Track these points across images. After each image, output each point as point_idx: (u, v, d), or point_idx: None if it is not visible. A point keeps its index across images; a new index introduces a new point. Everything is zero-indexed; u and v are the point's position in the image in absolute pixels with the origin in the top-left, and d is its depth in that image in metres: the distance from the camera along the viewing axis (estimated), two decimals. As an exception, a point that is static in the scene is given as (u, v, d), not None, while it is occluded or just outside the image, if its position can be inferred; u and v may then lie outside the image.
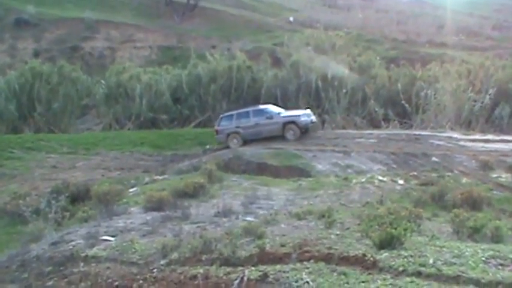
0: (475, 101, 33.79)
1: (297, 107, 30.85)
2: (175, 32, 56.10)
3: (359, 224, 12.10)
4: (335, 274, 8.73)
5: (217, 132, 28.75)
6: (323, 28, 50.76)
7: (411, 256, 9.11)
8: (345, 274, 8.65)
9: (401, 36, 57.63)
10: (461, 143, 26.13)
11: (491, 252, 9.08)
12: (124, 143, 28.64)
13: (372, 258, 9.16)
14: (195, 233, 12.20)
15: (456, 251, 9.31)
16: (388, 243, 9.77)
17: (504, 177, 21.20)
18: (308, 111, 28.90)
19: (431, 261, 8.73)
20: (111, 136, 30.44)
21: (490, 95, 33.66)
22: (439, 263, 8.63)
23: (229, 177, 20.98)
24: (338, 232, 11.62)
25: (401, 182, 20.26)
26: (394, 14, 67.40)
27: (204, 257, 10.27)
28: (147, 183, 21.48)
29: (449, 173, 21.64)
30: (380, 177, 20.65)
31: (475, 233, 11.12)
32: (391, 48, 51.79)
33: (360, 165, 22.70)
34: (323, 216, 13.26)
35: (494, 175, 21.44)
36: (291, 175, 21.65)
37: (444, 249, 9.61)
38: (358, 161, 23.22)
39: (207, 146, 28.01)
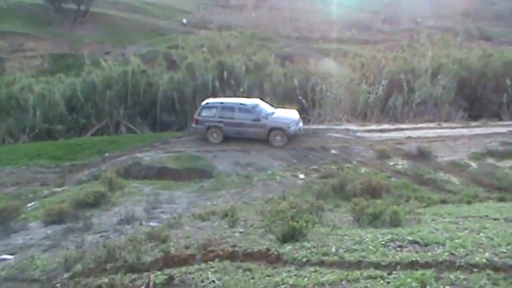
0: (369, 92, 34.73)
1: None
2: (67, 39, 54.63)
3: (262, 220, 12.26)
4: (240, 271, 8.77)
5: (196, 121, 26.40)
6: (217, 29, 51.12)
7: (314, 247, 9.28)
8: (250, 270, 8.70)
9: (295, 33, 58.59)
10: (358, 134, 26.82)
11: (390, 236, 9.39)
12: (19, 156, 27.57)
13: (275, 252, 9.28)
14: (98, 242, 12.01)
15: (357, 238, 9.57)
16: (291, 236, 9.93)
17: (400, 164, 22.00)
18: (297, 115, 26.73)
19: (333, 249, 8.92)
20: (5, 151, 29.25)
21: (383, 86, 34.69)
22: (341, 250, 8.84)
23: (130, 183, 20.62)
24: (242, 230, 11.70)
25: (302, 176, 20.63)
26: (287, 12, 68.34)
27: (108, 266, 10.08)
28: (46, 197, 20.78)
29: (349, 164, 22.24)
30: (281, 173, 20.94)
31: (374, 220, 11.46)
32: (285, 46, 52.43)
33: (261, 163, 22.88)
34: (226, 215, 13.37)
35: (391, 163, 22.22)
36: (193, 177, 21.58)
37: (346, 237, 9.85)
38: (259, 159, 23.39)
39: (106, 154, 27.05)
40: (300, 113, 27.64)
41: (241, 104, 26.26)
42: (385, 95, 34.80)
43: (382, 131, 27.55)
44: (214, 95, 32.23)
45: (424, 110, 34.45)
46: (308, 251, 9.10)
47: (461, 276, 6.82)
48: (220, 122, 25.75)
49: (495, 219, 11.47)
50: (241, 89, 34.38)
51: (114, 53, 49.54)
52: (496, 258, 7.43)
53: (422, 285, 6.62)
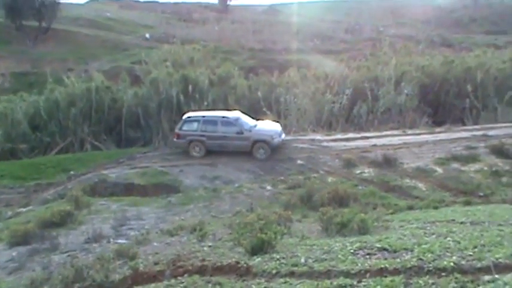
0: (334, 102, 34.96)
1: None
2: (28, 57, 53.96)
3: (231, 233, 12.22)
4: (210, 285, 8.71)
5: (178, 136, 26.02)
6: (180, 43, 50.99)
7: (283, 258, 9.26)
8: (220, 284, 8.65)
9: (258, 45, 58.82)
10: (324, 143, 26.94)
11: (358, 244, 9.42)
12: (-19, 177, 27.15)
13: (245, 265, 9.24)
14: (65, 262, 11.81)
15: (326, 247, 9.58)
16: (259, 248, 9.90)
17: (367, 172, 22.19)
18: (279, 127, 26.96)
19: (302, 260, 8.91)
20: (-33, 172, 28.79)
21: (347, 95, 34.99)
22: (310, 260, 8.82)
23: (96, 201, 20.30)
24: (211, 244, 11.65)
25: (269, 187, 20.69)
26: (250, 24, 68.77)
27: (76, 286, 9.93)
28: (10, 218, 20.39)
29: (315, 174, 22.36)
30: (248, 185, 20.97)
31: (342, 228, 11.52)
32: (248, 58, 52.67)
33: (228, 176, 22.85)
34: (195, 230, 13.32)
35: (358, 171, 22.38)
36: (160, 192, 21.34)
37: (314, 247, 9.86)
38: (226, 172, 23.36)
39: (72, 172, 26.68)
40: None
41: (223, 117, 26.03)
42: (349, 104, 35.10)
43: (347, 139, 27.74)
44: (179, 110, 32.11)
45: (389, 117, 34.78)
46: (277, 262, 9.07)
47: (430, 281, 6.86)
48: (203, 135, 25.51)
49: (461, 222, 11.61)
50: (206, 103, 34.29)
51: (77, 69, 49.10)
52: (463, 262, 7.49)
53: (391, 292, 6.64)
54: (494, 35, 68.81)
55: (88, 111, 35.04)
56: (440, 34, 67.32)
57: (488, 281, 6.51)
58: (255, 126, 26.15)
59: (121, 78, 39.83)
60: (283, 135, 26.54)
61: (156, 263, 10.53)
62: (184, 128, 25.91)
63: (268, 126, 26.58)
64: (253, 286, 8.19)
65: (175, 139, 26.40)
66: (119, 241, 13.86)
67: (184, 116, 26.81)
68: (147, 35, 62.59)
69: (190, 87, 35.25)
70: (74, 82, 38.18)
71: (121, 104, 35.33)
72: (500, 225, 10.64)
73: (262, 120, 28.23)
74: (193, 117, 26.41)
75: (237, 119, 25.92)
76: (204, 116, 26.28)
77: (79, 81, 39.06)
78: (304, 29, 65.48)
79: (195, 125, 25.78)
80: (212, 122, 25.73)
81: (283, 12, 76.84)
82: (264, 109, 33.69)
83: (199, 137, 25.53)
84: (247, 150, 25.11)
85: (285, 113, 34.28)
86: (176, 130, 26.33)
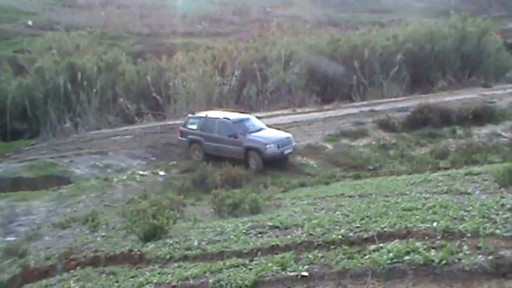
0: (224, 84, 35.07)
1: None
2: None
3: (124, 222, 12.04)
4: (104, 276, 8.58)
5: (180, 133, 23.57)
6: (65, 29, 49.47)
7: (177, 242, 9.26)
8: (113, 273, 8.53)
9: (146, 30, 58.22)
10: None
11: (250, 224, 9.52)
12: None
13: (138, 253, 9.17)
14: None
15: (219, 229, 9.63)
16: (153, 234, 9.85)
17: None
18: (284, 137, 22.22)
19: (196, 243, 8.92)
20: None
21: (236, 76, 35.22)
22: (204, 243, 8.85)
23: (-20, 199, 19.58)
24: (104, 234, 11.54)
25: (162, 173, 20.62)
26: (137, 9, 67.71)
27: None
28: None
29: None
30: (141, 172, 20.78)
31: (234, 209, 11.70)
32: (136, 43, 52.00)
33: (119, 163, 22.54)
34: (87, 220, 13.05)
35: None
36: (50, 185, 20.65)
37: (207, 229, 9.91)
38: (117, 160, 23.03)
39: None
40: (155, 110, 27.26)
41: (224, 117, 23.09)
42: (239, 85, 35.37)
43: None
44: (67, 99, 31.33)
45: (279, 97, 35.36)
46: (171, 247, 9.05)
47: (319, 255, 7.00)
48: (201, 136, 22.84)
49: (350, 196, 11.99)
50: (95, 90, 33.61)
51: (-45, 61, 46.85)
52: (350, 234, 7.68)
53: (282, 268, 6.74)
54: (379, 13, 70.80)
55: (-30, 104, 33.58)
56: (326, 14, 68.73)
57: (374, 250, 6.72)
58: (257, 131, 22.51)
59: (3, 69, 38.27)
60: (288, 148, 21.75)
61: (47, 258, 10.31)
62: (188, 125, 23.58)
63: (271, 134, 22.52)
64: (147, 273, 8.12)
65: (179, 136, 23.96)
66: (8, 238, 13.45)
67: (189, 114, 24.80)
68: (30, 23, 60.25)
69: (78, 75, 34.37)
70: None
71: (5, 95, 33.94)
72: (386, 196, 11.02)
73: (278, 129, 23.92)
74: (197, 116, 24.08)
75: (239, 121, 22.83)
76: (206, 115, 23.87)
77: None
78: (191, 12, 65.21)
79: (196, 124, 23.34)
80: (212, 121, 23.04)
81: (170, -5, 76.25)
82: (154, 94, 33.36)
83: (198, 137, 22.89)
84: (241, 157, 21.52)
85: (174, 97, 34.15)
86: (180, 127, 24.12)
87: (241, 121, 22.73)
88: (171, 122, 28.84)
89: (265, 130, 22.77)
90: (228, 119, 22.65)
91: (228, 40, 48.58)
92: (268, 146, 21.07)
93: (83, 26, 55.89)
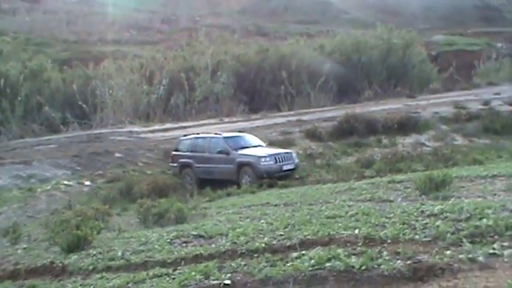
0: (151, 93, 34.92)
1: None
2: None
3: (47, 233, 11.80)
4: (23, 289, 8.38)
5: (172, 159, 21.65)
6: (-15, 35, 48.27)
7: (100, 253, 9.13)
8: (34, 286, 8.32)
9: (73, 37, 57.24)
10: (142, 135, 26.94)
11: (175, 233, 9.52)
12: None
13: (60, 264, 8.98)
14: None
15: (143, 239, 9.59)
16: (76, 245, 9.70)
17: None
18: (285, 152, 20.53)
19: (119, 253, 8.83)
20: None
21: (164, 85, 35.18)
22: (128, 253, 8.77)
23: None
24: (25, 246, 11.25)
25: (88, 183, 20.35)
26: (63, 15, 66.34)
27: None
28: None
29: (134, 167, 22.17)
30: (66, 182, 20.44)
31: (160, 219, 11.69)
32: (62, 50, 50.98)
33: (43, 173, 22.03)
34: (8, 232, 12.70)
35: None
36: (-31, 197, 20.13)
37: (132, 239, 9.84)
38: (41, 169, 22.49)
39: None
40: (81, 119, 26.87)
41: (216, 133, 21.79)
42: (166, 94, 35.28)
43: (165, 130, 27.95)
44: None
45: (206, 106, 35.45)
46: (94, 258, 8.91)
47: (242, 263, 7.05)
48: (192, 157, 20.89)
49: (276, 205, 12.13)
50: (19, 98, 32.85)
51: None
52: (274, 242, 7.78)
53: (206, 277, 6.76)
54: (307, 24, 71.65)
55: None
56: (255, 23, 69.12)
57: (296, 257, 6.82)
58: (252, 147, 20.71)
59: None
60: (289, 164, 19.84)
61: (-38, 275, 9.97)
62: (179, 148, 21.74)
63: (268, 150, 20.68)
64: (68, 285, 7.97)
65: (170, 163, 22.07)
66: None
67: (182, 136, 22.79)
68: (-51, 28, 58.53)
69: (1, 82, 33.52)
70: None
71: None
72: (311, 204, 11.21)
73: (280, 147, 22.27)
74: (189, 136, 22.15)
75: (232, 138, 21.15)
76: (198, 133, 22.41)
77: None
78: (119, 19, 64.52)
79: (186, 145, 21.49)
80: (202, 140, 21.28)
81: (97, 2, 74.99)
82: (80, 102, 32.89)
83: (188, 160, 20.95)
84: (234, 177, 19.60)
85: (101, 105, 33.76)
86: (172, 152, 22.02)
87: (233, 137, 21.23)
88: (97, 131, 28.49)
89: (263, 147, 21.04)
90: (220, 134, 21.27)
91: (156, 49, 48.40)
92: (263, 160, 19.33)
93: (7, 31, 54.54)
